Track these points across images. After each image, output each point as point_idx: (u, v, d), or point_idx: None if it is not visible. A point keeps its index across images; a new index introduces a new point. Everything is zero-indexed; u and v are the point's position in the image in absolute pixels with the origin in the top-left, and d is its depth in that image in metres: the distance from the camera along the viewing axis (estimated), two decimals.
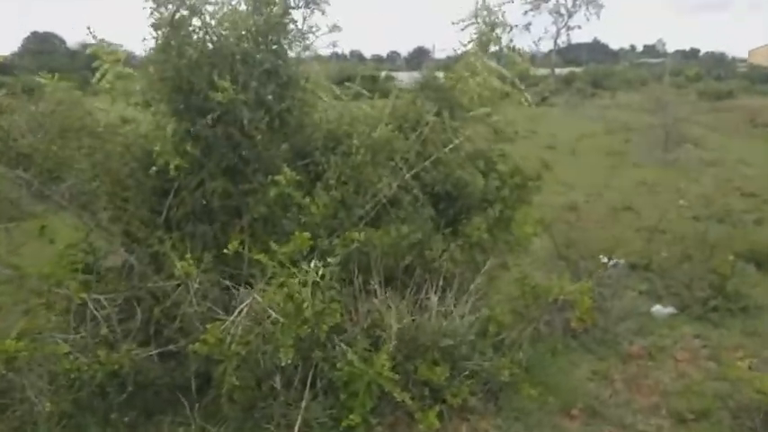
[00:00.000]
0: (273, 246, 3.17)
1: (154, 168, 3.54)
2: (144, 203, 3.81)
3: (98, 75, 3.81)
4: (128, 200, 3.77)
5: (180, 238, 3.79)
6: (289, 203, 3.65)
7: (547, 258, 6.12)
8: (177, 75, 3.51)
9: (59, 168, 3.59)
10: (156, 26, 3.52)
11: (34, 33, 53.16)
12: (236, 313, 3.14)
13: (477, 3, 4.47)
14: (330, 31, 4.05)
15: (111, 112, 3.69)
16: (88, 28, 3.87)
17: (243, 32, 3.67)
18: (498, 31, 4.55)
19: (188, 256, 3.13)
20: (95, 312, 3.36)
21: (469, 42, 4.56)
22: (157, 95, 3.64)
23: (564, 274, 4.92)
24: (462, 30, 4.38)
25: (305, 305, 3.04)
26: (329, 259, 3.34)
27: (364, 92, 4.74)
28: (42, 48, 47.59)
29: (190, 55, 3.46)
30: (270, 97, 3.70)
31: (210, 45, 3.56)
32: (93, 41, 3.90)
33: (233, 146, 3.65)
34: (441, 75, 4.72)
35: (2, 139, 3.61)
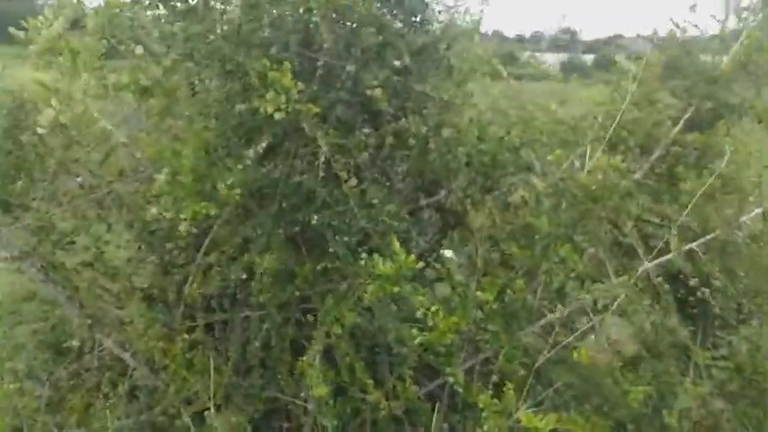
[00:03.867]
0: None
1: (153, 211, 1.85)
2: (162, 260, 2.17)
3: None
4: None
5: (207, 329, 2.13)
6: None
7: None
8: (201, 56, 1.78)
9: (7, 191, 2.02)
10: None
11: None
12: None
13: None
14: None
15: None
16: None
17: None
18: None
19: None
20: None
21: None
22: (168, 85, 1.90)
23: None
24: None
25: None
26: None
27: None
28: None
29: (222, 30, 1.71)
30: (379, 93, 1.85)
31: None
32: None
33: (298, 198, 1.90)
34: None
35: None
